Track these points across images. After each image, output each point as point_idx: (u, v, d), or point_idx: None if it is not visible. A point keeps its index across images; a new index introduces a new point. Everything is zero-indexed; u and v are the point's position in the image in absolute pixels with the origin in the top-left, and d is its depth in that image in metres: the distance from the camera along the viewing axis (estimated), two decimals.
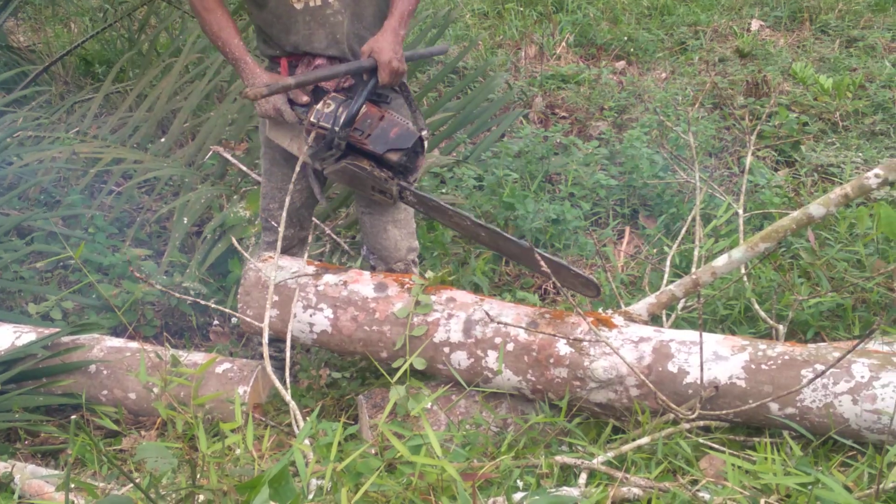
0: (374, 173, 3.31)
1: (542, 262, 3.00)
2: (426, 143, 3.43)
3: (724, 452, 2.77)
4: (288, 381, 3.11)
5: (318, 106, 3.30)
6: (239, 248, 3.50)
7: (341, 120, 3.25)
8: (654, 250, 4.56)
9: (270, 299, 3.29)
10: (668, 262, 3.99)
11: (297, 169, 3.40)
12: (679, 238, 4.14)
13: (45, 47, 7.86)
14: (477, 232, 3.44)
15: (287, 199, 3.42)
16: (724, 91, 6.61)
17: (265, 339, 3.21)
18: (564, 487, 2.61)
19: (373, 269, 3.70)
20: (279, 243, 3.39)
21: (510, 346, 3.12)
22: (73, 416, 2.71)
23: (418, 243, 3.77)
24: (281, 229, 3.40)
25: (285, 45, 3.41)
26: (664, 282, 3.85)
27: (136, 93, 5.86)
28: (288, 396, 3.00)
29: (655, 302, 3.33)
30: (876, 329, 2.45)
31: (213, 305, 3.48)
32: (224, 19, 3.36)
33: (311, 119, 3.30)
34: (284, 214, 3.42)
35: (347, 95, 3.31)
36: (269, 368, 3.09)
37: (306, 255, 3.75)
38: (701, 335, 2.82)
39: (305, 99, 3.38)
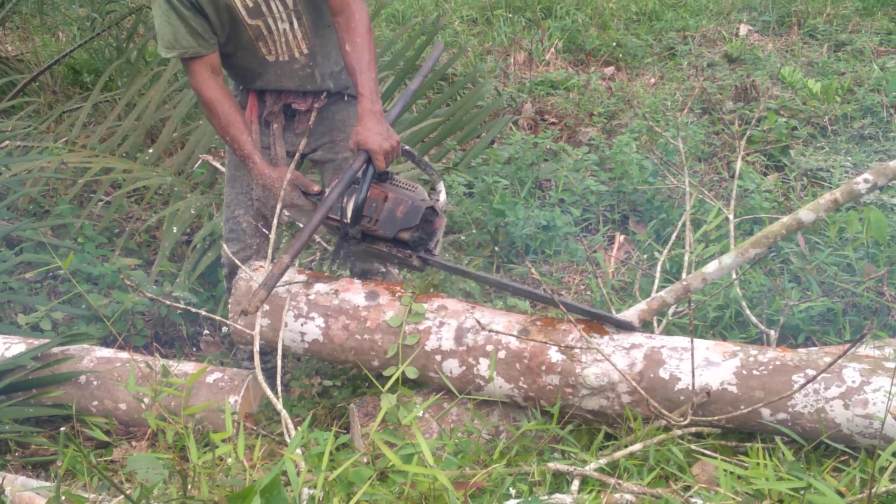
0: (393, 253, 3.34)
1: (567, 311, 3.03)
2: (441, 203, 3.42)
3: (716, 458, 2.77)
4: (279, 389, 3.11)
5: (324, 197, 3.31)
6: (231, 256, 3.49)
7: (348, 213, 3.26)
8: (645, 256, 4.56)
9: (261, 308, 3.28)
10: (658, 268, 3.99)
11: (278, 211, 3.45)
12: (669, 244, 4.15)
13: (33, 57, 7.84)
14: (503, 286, 3.48)
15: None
16: (712, 96, 6.62)
17: (256, 348, 3.21)
18: (557, 494, 2.61)
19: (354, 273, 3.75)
20: (270, 251, 3.39)
21: (502, 354, 3.12)
22: (62, 428, 2.70)
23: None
24: (272, 236, 3.40)
25: (256, 85, 3.50)
26: (655, 288, 3.85)
27: (125, 102, 5.84)
28: (279, 405, 2.99)
29: (646, 308, 3.33)
30: (867, 334, 2.45)
31: (203, 313, 3.47)
32: (231, 113, 3.35)
33: (321, 213, 3.31)
34: (275, 222, 3.43)
35: (348, 182, 3.27)
36: (261, 377, 3.08)
37: (296, 264, 3.75)
38: (692, 341, 2.82)
39: (316, 188, 3.42)
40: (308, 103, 3.51)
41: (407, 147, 3.43)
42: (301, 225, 3.48)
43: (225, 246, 3.70)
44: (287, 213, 3.46)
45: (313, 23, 3.37)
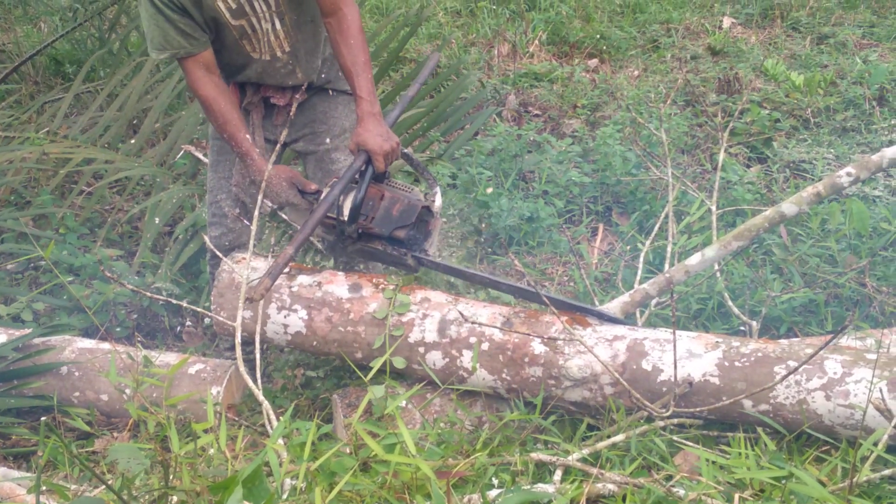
0: (388, 251, 3.36)
1: (551, 306, 3.03)
2: (437, 206, 3.44)
3: (698, 448, 2.78)
4: (259, 379, 3.10)
5: (323, 195, 3.32)
6: (212, 247, 3.48)
7: (345, 211, 3.29)
8: (628, 247, 4.57)
9: (243, 299, 3.27)
10: (640, 260, 4.00)
11: (259, 202, 3.47)
12: (651, 235, 4.15)
13: (14, 47, 7.79)
14: (496, 285, 3.46)
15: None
16: (696, 88, 6.63)
17: (238, 338, 3.20)
18: (539, 484, 2.61)
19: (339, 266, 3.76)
20: (252, 242, 3.38)
21: (485, 346, 3.12)
22: (43, 419, 2.69)
23: None
24: (253, 227, 3.40)
25: (238, 78, 3.51)
26: (637, 279, 3.86)
27: (107, 92, 5.81)
28: (260, 395, 2.99)
29: (629, 300, 3.34)
30: (848, 326, 2.46)
31: (185, 305, 3.46)
32: (228, 109, 3.35)
33: (320, 212, 3.33)
34: (256, 212, 3.43)
35: (348, 181, 3.30)
36: (242, 368, 3.07)
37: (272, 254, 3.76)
38: (675, 333, 2.82)
39: (313, 187, 3.44)
40: (287, 98, 3.53)
41: (406, 150, 3.45)
42: (296, 224, 3.53)
43: (208, 230, 3.71)
44: (279, 211, 3.50)
45: (295, 22, 3.37)
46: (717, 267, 3.83)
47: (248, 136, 3.39)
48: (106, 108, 5.78)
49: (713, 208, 4.09)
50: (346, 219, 3.28)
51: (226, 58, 3.42)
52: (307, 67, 3.50)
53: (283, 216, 3.59)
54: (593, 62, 7.61)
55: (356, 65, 3.33)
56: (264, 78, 3.48)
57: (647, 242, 4.11)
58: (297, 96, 3.54)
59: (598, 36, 7.93)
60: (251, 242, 3.39)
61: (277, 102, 3.54)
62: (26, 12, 8.75)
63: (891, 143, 5.39)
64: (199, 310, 3.44)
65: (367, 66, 3.35)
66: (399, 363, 3.21)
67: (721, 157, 4.34)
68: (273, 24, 3.32)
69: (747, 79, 6.58)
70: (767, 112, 5.95)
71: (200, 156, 4.96)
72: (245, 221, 3.57)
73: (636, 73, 7.30)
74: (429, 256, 3.42)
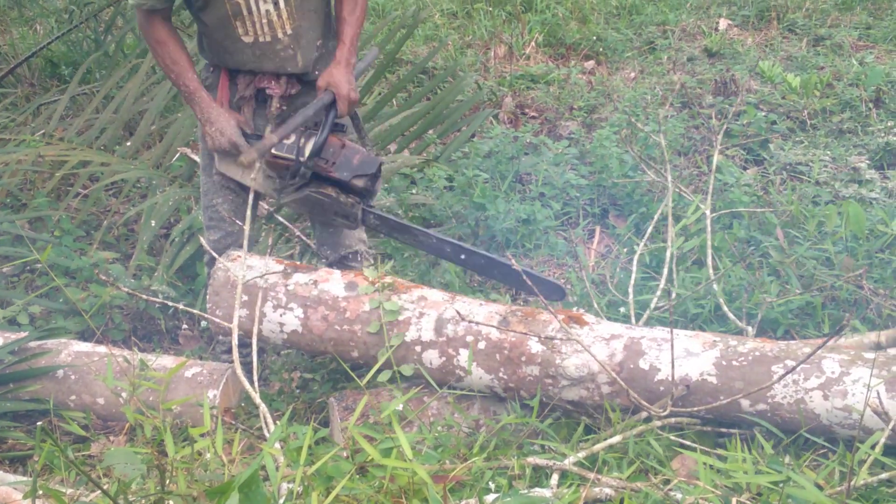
0: (340, 199, 3.40)
1: (514, 264, 3.04)
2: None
3: (695, 451, 2.78)
4: (256, 382, 3.09)
5: (275, 150, 3.37)
6: (209, 250, 3.48)
7: (306, 151, 3.34)
8: (625, 249, 4.56)
9: (239, 298, 3.26)
10: (634, 262, 3.99)
11: (251, 202, 3.48)
12: (645, 237, 4.15)
13: (10, 49, 7.79)
14: (442, 248, 3.52)
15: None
16: (692, 90, 6.63)
17: (234, 340, 3.19)
18: (536, 489, 2.61)
19: (326, 261, 3.74)
20: (246, 238, 3.38)
21: (482, 345, 3.11)
22: (39, 423, 2.68)
23: (365, 233, 3.83)
24: (247, 228, 3.39)
25: (229, 64, 3.46)
26: (631, 282, 3.85)
27: (103, 94, 5.81)
28: (258, 399, 2.98)
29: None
30: (846, 326, 2.46)
31: (182, 306, 3.45)
32: (177, 52, 3.38)
33: (274, 151, 3.36)
34: (249, 212, 3.43)
35: (307, 127, 3.37)
36: (239, 371, 3.06)
37: (269, 254, 3.76)
38: (672, 331, 2.82)
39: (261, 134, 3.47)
40: (283, 88, 3.48)
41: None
42: (237, 178, 3.53)
43: (206, 234, 3.71)
44: (219, 163, 3.52)
45: (299, 4, 3.34)
46: (711, 273, 3.83)
47: (195, 76, 3.40)
48: (102, 110, 5.77)
49: (707, 212, 4.08)
50: (305, 158, 3.33)
51: (215, 34, 3.37)
52: (307, 55, 3.46)
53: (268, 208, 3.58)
54: (590, 64, 7.62)
55: (351, 15, 3.44)
56: (262, 62, 3.41)
57: (641, 245, 4.10)
58: (292, 90, 3.51)
59: (594, 38, 7.93)
60: (245, 244, 3.38)
61: (273, 92, 3.48)
62: (22, 14, 8.75)
63: (887, 144, 5.40)
64: (195, 311, 3.43)
65: (360, 21, 3.46)
66: (407, 371, 3.21)
67: (716, 158, 4.33)
68: (276, 4, 3.29)
69: (744, 81, 6.58)
70: (764, 114, 5.95)
71: (196, 158, 4.95)
72: (238, 222, 3.56)
73: (633, 74, 7.30)
74: (375, 210, 3.51)
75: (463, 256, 3.51)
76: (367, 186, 3.41)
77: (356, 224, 3.49)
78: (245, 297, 3.39)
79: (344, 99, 3.35)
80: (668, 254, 3.93)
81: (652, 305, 3.73)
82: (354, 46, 3.43)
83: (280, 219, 4.62)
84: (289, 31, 3.37)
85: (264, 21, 3.32)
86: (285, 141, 3.35)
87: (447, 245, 3.50)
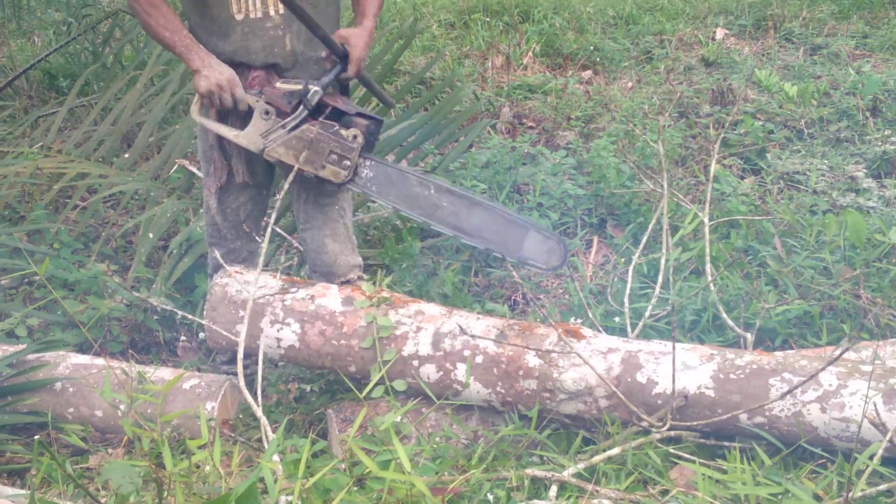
0: (342, 132, 3.31)
1: None
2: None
3: (694, 462, 2.78)
4: (259, 396, 3.09)
5: (279, 83, 3.33)
6: (220, 261, 3.48)
7: (315, 83, 3.28)
8: (622, 259, 4.57)
9: (248, 314, 3.27)
10: (629, 272, 4.00)
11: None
12: (640, 247, 4.15)
13: (8, 61, 7.80)
14: (440, 202, 3.40)
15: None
16: (689, 100, 6.64)
17: (240, 354, 3.18)
18: (535, 500, 2.61)
19: None
20: (260, 256, 3.38)
21: (479, 359, 3.11)
22: (37, 436, 2.68)
23: (361, 259, 3.78)
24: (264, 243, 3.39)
25: (220, 54, 3.36)
26: (627, 292, 3.85)
27: (101, 106, 5.81)
28: (259, 412, 2.98)
29: None
30: (852, 343, 2.46)
31: (182, 313, 3.45)
32: (169, 13, 3.28)
33: (279, 83, 3.32)
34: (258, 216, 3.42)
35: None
36: (242, 383, 3.06)
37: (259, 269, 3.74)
38: (674, 346, 2.82)
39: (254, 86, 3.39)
40: (263, 79, 3.40)
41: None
42: (222, 132, 3.42)
43: (209, 251, 3.71)
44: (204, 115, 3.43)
45: None
46: (710, 279, 3.83)
47: (189, 33, 3.31)
48: (100, 122, 5.78)
49: (706, 220, 4.08)
50: (315, 85, 3.28)
51: (213, 9, 3.32)
52: (296, 42, 3.39)
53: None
54: (587, 74, 7.63)
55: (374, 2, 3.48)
56: (250, 42, 3.33)
57: (636, 256, 4.10)
58: (277, 84, 3.40)
59: (591, 47, 7.95)
60: (273, 218, 3.36)
61: (261, 87, 3.40)
62: (20, 27, 8.77)
63: (884, 153, 5.40)
64: (195, 318, 3.43)
65: (379, 4, 3.50)
66: (400, 386, 3.20)
67: (713, 168, 4.34)
68: None
69: (741, 90, 6.59)
70: (761, 123, 5.96)
71: (195, 170, 4.96)
72: (228, 230, 3.56)
73: (630, 84, 7.32)
74: (371, 157, 3.40)
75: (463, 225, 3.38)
76: (370, 130, 3.35)
77: (348, 172, 3.34)
78: (241, 313, 3.39)
79: (356, 62, 3.33)
80: (662, 261, 3.93)
81: (647, 314, 3.73)
82: (376, 19, 3.45)
83: (278, 230, 4.62)
84: (281, 10, 3.32)
85: None
86: (290, 84, 3.32)
87: (447, 201, 3.37)
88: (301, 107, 3.29)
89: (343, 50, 3.30)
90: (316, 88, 3.27)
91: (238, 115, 3.38)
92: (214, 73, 3.27)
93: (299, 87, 3.29)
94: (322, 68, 3.44)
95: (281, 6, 3.30)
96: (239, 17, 3.31)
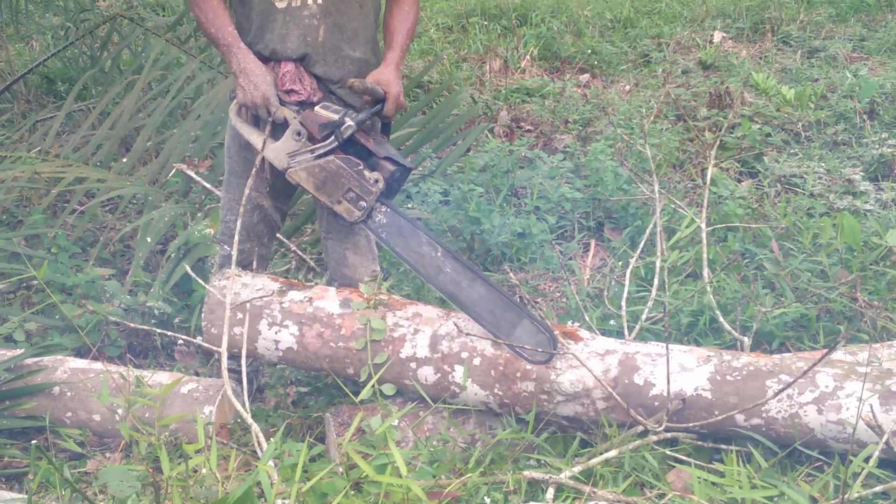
0: (364, 172, 3.28)
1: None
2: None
3: (690, 465, 2.78)
4: (246, 401, 3.09)
5: (319, 108, 3.32)
6: (233, 258, 3.48)
7: (352, 117, 3.26)
8: (620, 263, 4.57)
9: (247, 321, 3.27)
10: (627, 276, 4.00)
11: (258, 164, 3.42)
12: (638, 251, 4.15)
13: (6, 65, 7.80)
14: (444, 267, 3.30)
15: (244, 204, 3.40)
16: (687, 103, 6.65)
17: (223, 364, 3.19)
18: (532, 503, 2.61)
19: None
20: (233, 258, 3.38)
21: (477, 361, 3.12)
22: (34, 441, 2.68)
23: (379, 267, 3.77)
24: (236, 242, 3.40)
25: (260, 47, 3.37)
26: (624, 296, 3.85)
27: (99, 110, 5.81)
28: (249, 418, 2.98)
29: None
30: (842, 341, 2.47)
31: (180, 319, 3.46)
32: (218, 6, 3.32)
33: (318, 109, 3.31)
34: (239, 224, 3.42)
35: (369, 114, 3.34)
36: (230, 391, 3.07)
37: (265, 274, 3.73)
38: (668, 347, 2.83)
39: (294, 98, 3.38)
40: (307, 90, 3.41)
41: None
42: (251, 139, 3.41)
43: (218, 248, 3.71)
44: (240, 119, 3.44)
45: None
46: (707, 281, 3.83)
47: (234, 29, 3.34)
48: (98, 126, 5.78)
49: (702, 224, 4.09)
50: (351, 119, 3.25)
51: (249, 4, 3.35)
52: (329, 35, 3.38)
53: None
54: (585, 77, 7.64)
55: (402, 25, 3.47)
56: (288, 33, 3.34)
57: (633, 259, 4.10)
58: (314, 97, 3.41)
59: (589, 51, 7.96)
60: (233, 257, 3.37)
61: (298, 91, 3.40)
62: (18, 31, 8.77)
63: (881, 156, 5.41)
64: (187, 338, 3.43)
65: (410, 32, 3.49)
66: (388, 390, 3.20)
67: (710, 171, 4.34)
68: None
69: (738, 93, 6.60)
70: (758, 126, 5.97)
71: (192, 174, 4.96)
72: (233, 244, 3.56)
73: (627, 87, 7.33)
74: (389, 203, 3.35)
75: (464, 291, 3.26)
76: (394, 175, 3.32)
77: (362, 213, 3.31)
78: (240, 316, 3.39)
79: (393, 99, 3.34)
80: (657, 264, 3.93)
81: (643, 317, 3.73)
82: (404, 53, 3.45)
83: (279, 237, 4.62)
84: (319, 1, 3.33)
85: None
86: (326, 111, 3.30)
87: (449, 261, 3.28)
88: (332, 137, 3.28)
89: (381, 93, 3.32)
90: (350, 123, 3.25)
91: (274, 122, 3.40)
92: (250, 87, 3.30)
93: (336, 116, 3.28)
94: (349, 69, 3.45)
95: None
96: (280, 5, 3.32)
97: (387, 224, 3.36)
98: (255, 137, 3.39)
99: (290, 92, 3.38)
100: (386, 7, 3.50)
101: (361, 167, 3.29)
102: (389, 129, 3.54)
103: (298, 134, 3.32)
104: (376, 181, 3.29)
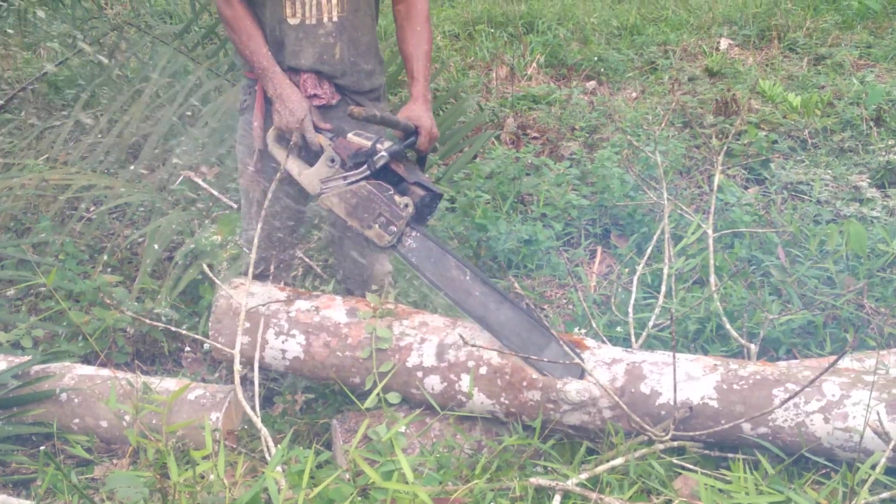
0: (395, 197, 3.28)
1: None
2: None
3: (697, 472, 2.78)
4: (258, 407, 3.10)
5: (351, 135, 3.32)
6: (209, 273, 3.49)
7: (385, 145, 3.27)
8: (626, 270, 4.57)
9: (242, 325, 3.27)
10: (634, 283, 4.00)
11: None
12: (644, 258, 4.15)
13: (13, 74, 7.82)
14: (472, 290, 3.28)
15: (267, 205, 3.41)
16: (693, 110, 6.65)
17: (236, 367, 3.20)
18: None
19: (349, 292, 3.71)
20: (251, 268, 3.39)
21: (483, 370, 3.12)
22: (42, 447, 2.69)
23: (391, 266, 3.78)
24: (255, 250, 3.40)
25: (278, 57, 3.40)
26: (631, 303, 3.86)
27: (107, 118, 5.82)
28: (259, 423, 2.98)
29: None
30: (849, 349, 2.46)
31: (185, 332, 3.46)
32: (253, 28, 3.33)
33: (351, 136, 3.31)
34: (258, 232, 3.42)
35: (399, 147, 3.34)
36: (241, 395, 3.07)
37: (282, 282, 3.74)
38: (674, 356, 2.82)
39: (328, 126, 3.40)
40: (327, 95, 3.44)
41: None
42: (286, 166, 3.41)
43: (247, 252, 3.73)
44: (275, 146, 3.43)
45: None
46: (714, 288, 3.83)
47: (269, 52, 3.35)
48: (105, 134, 5.79)
49: (709, 231, 4.09)
50: (385, 146, 3.26)
51: (267, 11, 3.35)
52: (346, 52, 3.41)
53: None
54: (591, 84, 7.65)
55: (419, 49, 3.44)
56: (302, 48, 3.35)
57: (640, 266, 4.10)
58: (332, 100, 3.45)
59: (595, 58, 7.97)
60: (250, 268, 3.38)
61: (319, 94, 3.43)
62: (25, 39, 8.79)
63: (888, 163, 5.41)
64: (198, 337, 3.44)
65: (427, 55, 3.46)
66: (394, 398, 3.21)
67: (717, 178, 4.34)
68: None
69: (745, 100, 6.60)
70: (765, 133, 5.97)
71: (200, 181, 4.97)
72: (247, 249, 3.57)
73: (634, 94, 7.33)
74: (420, 228, 3.35)
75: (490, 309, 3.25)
76: (424, 201, 3.32)
77: (392, 238, 3.30)
78: (247, 324, 3.40)
79: (427, 134, 3.34)
80: (664, 271, 3.93)
81: (650, 324, 3.73)
82: (428, 80, 3.43)
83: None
84: (334, 19, 3.34)
85: (311, 3, 3.31)
86: (360, 138, 3.31)
87: (478, 286, 3.27)
88: (365, 166, 3.28)
89: (413, 129, 3.33)
90: (383, 153, 3.25)
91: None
92: (286, 112, 3.32)
93: (368, 143, 3.28)
94: (364, 81, 3.49)
95: (335, 14, 3.34)
96: (294, 21, 3.33)
97: (416, 248, 3.35)
98: (292, 164, 3.40)
99: (312, 97, 3.40)
100: (397, 27, 3.50)
101: (392, 192, 3.28)
102: (425, 161, 3.53)
103: (332, 160, 3.33)
104: (406, 206, 3.28)
